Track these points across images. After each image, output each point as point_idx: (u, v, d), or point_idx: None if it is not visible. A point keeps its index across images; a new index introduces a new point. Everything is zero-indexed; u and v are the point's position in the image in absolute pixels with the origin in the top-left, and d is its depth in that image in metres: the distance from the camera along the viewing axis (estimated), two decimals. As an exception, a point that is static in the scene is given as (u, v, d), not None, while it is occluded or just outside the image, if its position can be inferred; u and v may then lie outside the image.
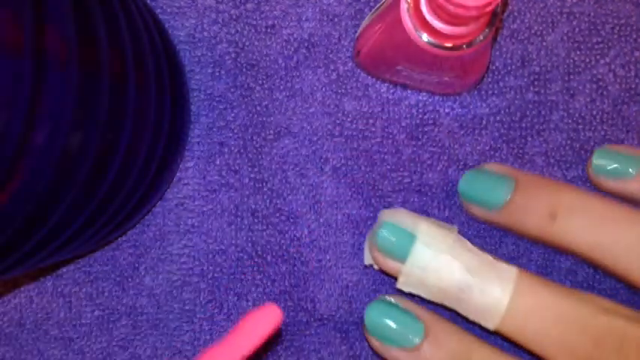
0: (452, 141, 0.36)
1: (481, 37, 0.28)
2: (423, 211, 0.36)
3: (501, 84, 0.36)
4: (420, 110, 0.36)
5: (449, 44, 0.28)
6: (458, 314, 0.33)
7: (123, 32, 0.28)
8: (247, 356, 0.25)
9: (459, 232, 0.36)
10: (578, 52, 0.36)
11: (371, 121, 0.36)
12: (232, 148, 0.36)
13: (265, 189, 0.36)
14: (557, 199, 0.32)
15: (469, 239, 0.36)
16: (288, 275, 0.36)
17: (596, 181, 0.34)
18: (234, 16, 0.36)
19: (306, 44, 0.36)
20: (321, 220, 0.36)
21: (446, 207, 0.36)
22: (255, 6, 0.36)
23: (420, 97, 0.36)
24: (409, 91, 0.36)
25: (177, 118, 0.34)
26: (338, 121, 0.36)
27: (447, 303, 0.32)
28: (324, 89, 0.36)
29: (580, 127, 0.36)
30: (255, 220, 0.36)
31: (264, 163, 0.36)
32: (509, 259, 0.36)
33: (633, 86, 0.36)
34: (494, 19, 0.28)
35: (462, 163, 0.36)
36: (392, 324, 0.33)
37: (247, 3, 0.36)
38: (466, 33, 0.28)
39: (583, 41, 0.36)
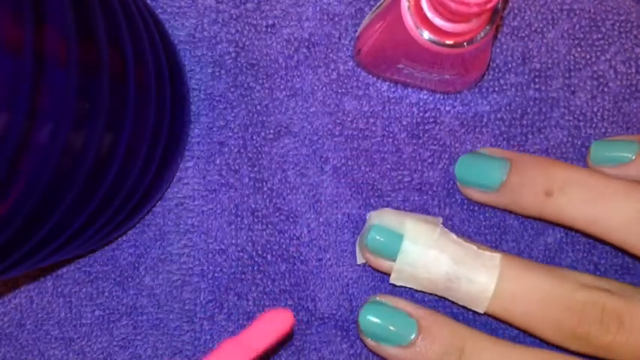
0: (453, 139, 0.36)
1: (482, 35, 0.28)
2: (424, 210, 0.36)
3: (502, 81, 0.36)
4: (421, 109, 0.36)
5: (450, 42, 0.28)
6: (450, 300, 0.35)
7: (123, 32, 0.28)
8: (259, 354, 0.26)
9: (460, 230, 0.36)
10: (578, 49, 0.36)
11: (371, 120, 0.36)
12: (232, 147, 0.36)
13: (265, 188, 0.36)
14: (552, 176, 0.33)
15: (470, 237, 0.36)
16: (289, 274, 0.36)
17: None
18: (234, 16, 0.36)
19: (306, 43, 0.36)
20: (321, 220, 0.36)
21: (446, 205, 0.36)
22: (256, 5, 0.36)
23: (421, 96, 0.36)
24: (410, 90, 0.36)
25: (177, 118, 0.33)
26: (338, 121, 0.36)
27: (438, 293, 0.34)
28: (324, 88, 0.36)
29: (581, 123, 0.36)
30: (255, 220, 0.36)
31: (264, 162, 0.36)
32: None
33: (634, 83, 0.36)
34: (495, 16, 0.28)
35: (462, 161, 0.36)
36: (384, 323, 0.34)
37: (247, 2, 0.36)
38: (467, 30, 0.28)
39: (583, 38, 0.36)
